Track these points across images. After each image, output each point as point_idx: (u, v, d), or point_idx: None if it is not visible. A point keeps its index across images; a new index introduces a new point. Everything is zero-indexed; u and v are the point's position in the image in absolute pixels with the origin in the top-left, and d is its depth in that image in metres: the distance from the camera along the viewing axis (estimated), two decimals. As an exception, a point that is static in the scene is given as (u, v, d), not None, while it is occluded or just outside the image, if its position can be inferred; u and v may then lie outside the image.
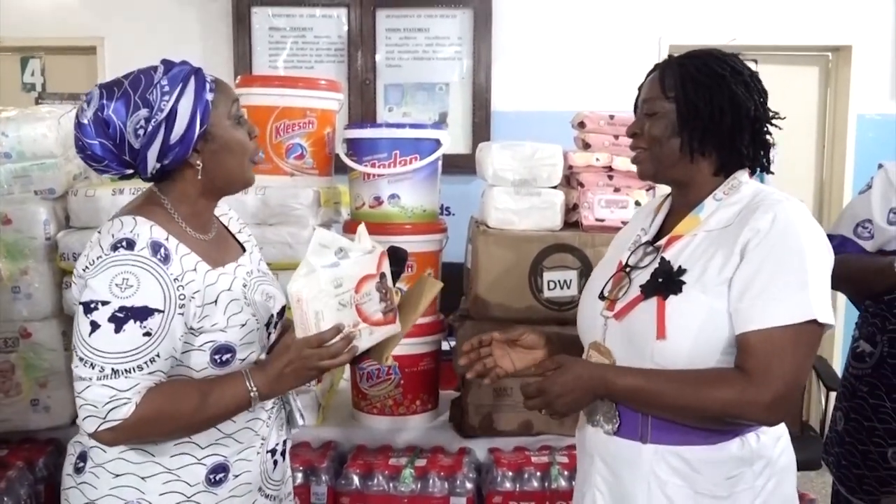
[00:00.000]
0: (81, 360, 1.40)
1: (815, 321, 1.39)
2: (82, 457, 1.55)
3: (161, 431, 1.47)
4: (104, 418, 1.39)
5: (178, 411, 1.45)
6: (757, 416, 1.42)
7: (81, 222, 2.48)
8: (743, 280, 1.41)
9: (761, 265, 1.41)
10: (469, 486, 2.29)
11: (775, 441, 1.52)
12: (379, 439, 2.52)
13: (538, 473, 2.30)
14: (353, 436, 2.54)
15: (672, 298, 1.46)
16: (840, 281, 2.20)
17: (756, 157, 1.56)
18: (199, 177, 1.54)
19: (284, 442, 1.71)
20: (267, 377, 1.50)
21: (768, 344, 1.38)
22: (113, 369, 1.39)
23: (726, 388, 1.40)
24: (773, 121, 1.57)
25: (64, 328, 2.50)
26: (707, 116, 1.51)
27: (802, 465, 3.06)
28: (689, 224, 1.54)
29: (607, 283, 1.62)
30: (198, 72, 1.52)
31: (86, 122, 1.46)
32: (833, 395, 2.89)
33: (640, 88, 1.63)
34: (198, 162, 1.53)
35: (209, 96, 1.51)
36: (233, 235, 1.72)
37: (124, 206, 1.58)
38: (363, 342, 1.55)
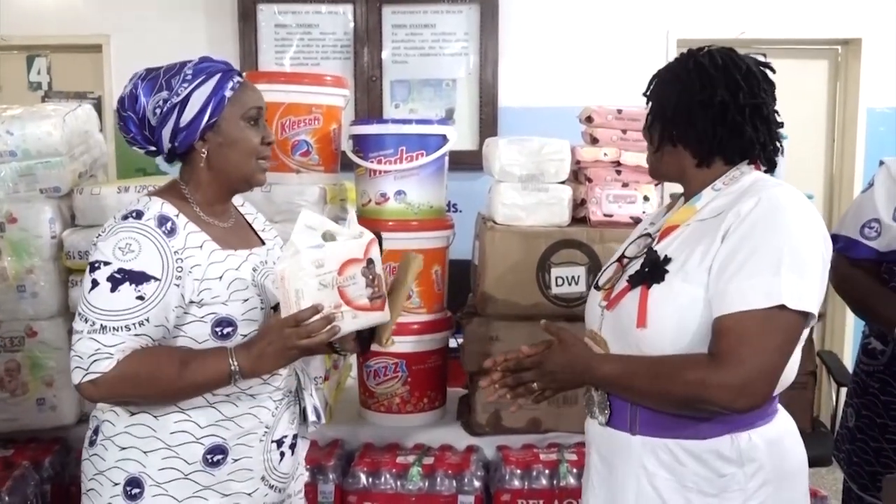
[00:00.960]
0: (79, 314, 1.52)
1: (786, 307, 1.36)
2: (96, 430, 1.64)
3: (140, 392, 1.54)
4: (87, 369, 1.49)
5: (156, 374, 1.52)
6: (724, 401, 1.38)
7: (87, 220, 2.47)
8: (719, 263, 1.41)
9: (737, 248, 1.40)
10: (477, 484, 2.28)
11: (772, 443, 1.48)
12: (386, 437, 2.51)
13: (547, 471, 2.28)
14: (360, 434, 2.53)
15: (655, 287, 1.47)
16: (840, 293, 2.20)
17: (732, 148, 1.53)
18: (202, 164, 1.64)
19: (294, 436, 1.73)
20: (249, 355, 1.55)
21: (738, 328, 1.37)
22: (102, 325, 1.49)
23: (695, 371, 1.39)
24: (761, 112, 1.52)
25: (70, 327, 2.46)
26: (659, 107, 1.56)
27: (813, 462, 3.02)
28: (684, 214, 1.56)
29: (603, 272, 1.65)
30: (227, 71, 1.64)
31: (124, 96, 1.62)
32: (844, 391, 2.86)
33: None
34: (203, 150, 1.63)
35: (228, 93, 1.61)
36: (255, 232, 1.80)
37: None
38: (346, 325, 1.56)
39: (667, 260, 1.48)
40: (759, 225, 1.40)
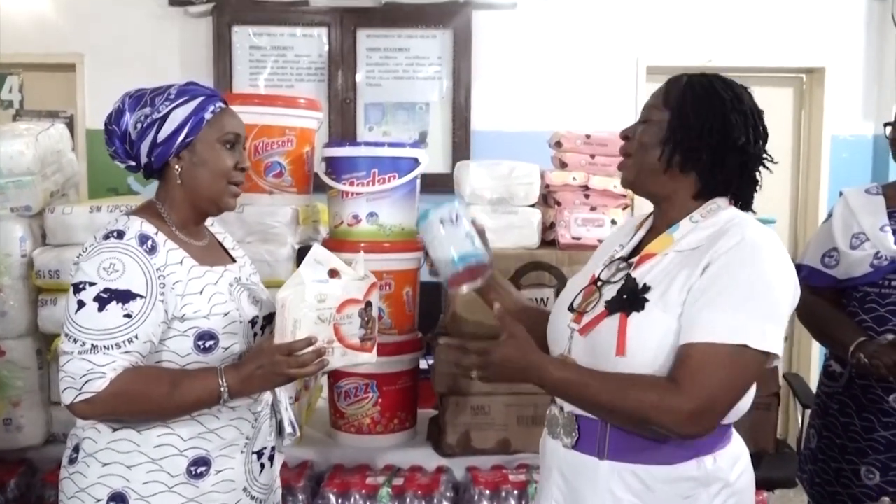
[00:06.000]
0: (67, 335, 1.55)
1: (749, 346, 1.39)
2: (76, 448, 1.65)
3: (132, 410, 1.57)
4: (80, 389, 1.51)
5: (148, 393, 1.56)
6: (674, 425, 1.40)
7: (58, 240, 2.45)
8: (694, 293, 1.43)
9: (713, 282, 1.42)
10: (447, 504, 2.28)
11: (733, 463, 1.52)
12: (356, 458, 2.50)
13: (516, 492, 2.29)
14: (330, 455, 2.52)
15: (634, 316, 1.47)
16: (802, 321, 2.24)
17: (739, 190, 1.56)
18: (177, 182, 1.68)
19: (272, 448, 1.78)
20: (238, 376, 1.58)
21: (700, 357, 1.39)
22: (93, 345, 1.52)
23: (650, 392, 1.41)
24: (766, 163, 1.57)
25: (39, 346, 2.47)
26: (695, 131, 1.50)
27: (779, 483, 3.10)
28: (662, 243, 1.55)
29: (577, 295, 1.62)
30: (211, 96, 1.70)
31: (112, 111, 1.68)
32: (809, 412, 2.90)
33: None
34: (177, 167, 1.68)
35: (208, 115, 1.67)
36: (226, 251, 1.84)
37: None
38: (334, 360, 1.62)
39: (646, 288, 1.48)
40: (737, 262, 1.42)
